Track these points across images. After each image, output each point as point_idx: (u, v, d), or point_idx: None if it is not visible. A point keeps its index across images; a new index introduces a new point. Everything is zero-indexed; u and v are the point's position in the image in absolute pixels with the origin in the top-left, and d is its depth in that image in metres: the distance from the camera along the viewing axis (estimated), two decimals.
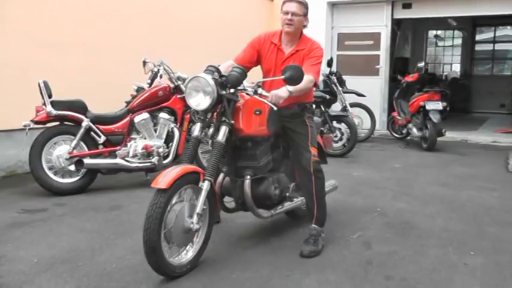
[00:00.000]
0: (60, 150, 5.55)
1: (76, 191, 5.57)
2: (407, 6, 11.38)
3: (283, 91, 3.57)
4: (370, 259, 3.77)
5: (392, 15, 11.54)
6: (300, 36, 3.97)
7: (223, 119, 3.57)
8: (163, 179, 3.20)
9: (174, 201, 3.31)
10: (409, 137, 9.87)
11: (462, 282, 3.40)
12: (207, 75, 3.54)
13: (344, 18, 11.92)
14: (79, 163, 5.46)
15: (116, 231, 4.30)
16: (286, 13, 3.84)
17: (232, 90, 3.56)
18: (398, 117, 9.99)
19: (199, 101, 3.52)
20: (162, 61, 6.39)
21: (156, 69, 6.44)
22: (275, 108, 3.58)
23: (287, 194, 4.20)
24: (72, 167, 5.52)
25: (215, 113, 3.64)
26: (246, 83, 3.69)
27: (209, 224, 3.61)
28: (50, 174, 5.49)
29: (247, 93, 3.64)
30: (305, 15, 3.90)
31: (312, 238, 3.92)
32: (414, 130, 9.29)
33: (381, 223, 4.67)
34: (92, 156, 5.66)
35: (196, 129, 3.63)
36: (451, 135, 10.39)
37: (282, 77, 3.49)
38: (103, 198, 5.40)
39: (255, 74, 4.15)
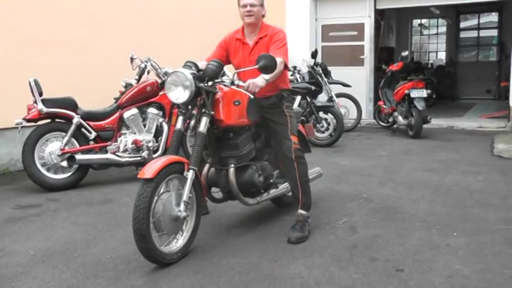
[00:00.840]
0: (52, 147, 5.66)
1: (69, 186, 5.69)
2: None
3: (260, 80, 3.72)
4: (355, 243, 3.90)
5: (375, 5, 11.64)
6: (261, 25, 4.13)
7: (204, 110, 3.70)
8: (149, 170, 3.33)
9: (161, 190, 3.44)
10: (395, 126, 9.98)
11: (445, 261, 3.53)
12: (185, 69, 3.71)
13: (327, 9, 12.01)
14: (71, 159, 5.58)
15: (109, 223, 4.42)
16: (245, 6, 4.00)
17: (210, 83, 3.70)
18: (384, 106, 10.10)
19: (179, 95, 3.67)
20: (149, 57, 6.48)
21: (143, 65, 6.52)
22: (252, 96, 3.72)
23: (271, 181, 4.33)
24: (64, 163, 5.63)
25: (196, 106, 3.77)
26: (228, 76, 3.84)
27: (197, 212, 3.74)
28: (43, 170, 5.60)
29: (225, 85, 3.79)
30: (262, 5, 4.08)
31: (299, 224, 4.05)
32: (400, 118, 9.42)
33: (367, 209, 4.81)
34: (83, 152, 5.77)
35: (179, 122, 3.78)
36: (437, 122, 10.55)
37: (256, 66, 3.64)
38: (95, 192, 5.52)
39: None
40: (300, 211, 4.11)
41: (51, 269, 3.46)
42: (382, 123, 10.48)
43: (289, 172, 4.14)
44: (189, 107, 3.79)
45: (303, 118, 5.16)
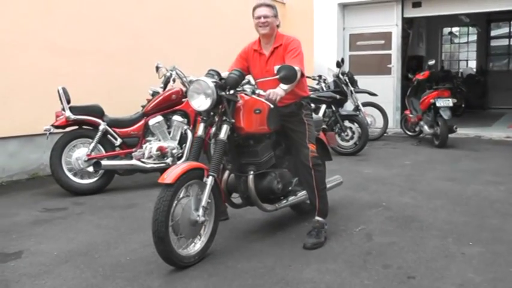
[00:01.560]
0: (79, 152, 5.85)
1: (94, 191, 5.87)
2: (417, 4, 11.49)
3: (279, 90, 3.82)
4: (369, 250, 3.94)
5: (402, 14, 11.66)
6: (275, 35, 4.21)
7: (224, 118, 3.82)
8: (169, 175, 3.45)
9: (180, 195, 3.55)
10: (421, 135, 9.94)
11: (457, 270, 3.54)
12: (207, 78, 3.82)
13: (355, 18, 12.09)
14: (97, 164, 5.75)
15: (131, 227, 4.56)
16: (259, 17, 4.10)
17: (231, 92, 3.81)
18: (411, 115, 10.09)
19: (201, 103, 3.79)
20: (174, 66, 6.62)
21: (168, 74, 6.66)
22: (271, 106, 3.82)
23: (290, 188, 4.41)
24: (91, 169, 5.81)
25: (217, 114, 3.88)
26: (252, 85, 3.94)
27: (215, 217, 3.84)
28: (70, 175, 5.80)
29: (246, 94, 3.89)
30: (275, 16, 4.15)
31: (315, 231, 4.10)
32: (426, 127, 9.39)
33: (384, 217, 4.83)
34: (109, 158, 5.94)
35: (200, 129, 3.89)
36: (464, 132, 10.50)
37: (277, 76, 3.74)
38: (120, 197, 5.68)
39: None
40: (317, 218, 4.17)
41: (73, 269, 3.60)
42: (408, 133, 10.45)
43: (306, 179, 4.20)
44: (211, 114, 3.90)
45: (325, 127, 5.20)
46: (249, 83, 3.92)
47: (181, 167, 3.55)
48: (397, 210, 5.04)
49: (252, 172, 4.01)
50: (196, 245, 3.73)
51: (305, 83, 4.36)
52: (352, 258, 3.79)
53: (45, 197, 5.76)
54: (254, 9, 4.16)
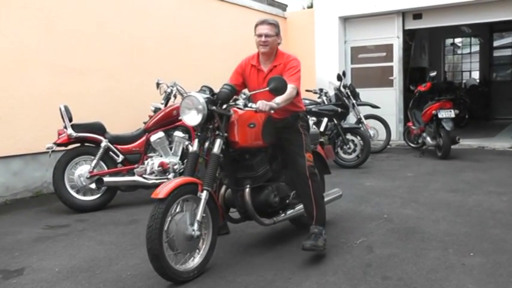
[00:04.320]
0: (81, 170, 5.90)
1: (97, 207, 5.91)
2: (417, 16, 11.52)
3: (271, 103, 3.82)
4: (370, 262, 3.95)
5: (403, 26, 11.68)
6: (276, 53, 4.24)
7: (218, 132, 3.84)
8: (162, 190, 3.48)
9: (174, 210, 3.57)
10: (424, 147, 9.92)
11: (457, 280, 3.54)
12: (198, 93, 3.87)
13: (356, 31, 12.13)
14: (99, 181, 5.79)
15: (133, 242, 4.59)
16: (260, 35, 4.11)
17: (224, 106, 3.86)
18: (413, 127, 10.09)
19: (192, 118, 3.82)
20: (174, 82, 6.69)
21: (169, 90, 6.73)
22: (258, 111, 3.81)
23: (288, 202, 4.42)
24: (93, 185, 5.87)
25: (210, 128, 3.90)
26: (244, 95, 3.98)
27: (213, 231, 3.85)
28: (72, 192, 5.84)
29: (238, 108, 3.92)
30: (277, 34, 4.17)
31: (313, 235, 4.08)
32: (428, 139, 9.37)
33: (386, 229, 4.84)
34: (111, 174, 5.99)
35: (195, 145, 3.92)
36: (467, 143, 10.48)
37: (267, 88, 3.79)
38: (122, 213, 5.71)
39: None
40: (315, 225, 4.15)
41: (74, 285, 3.63)
42: (411, 145, 10.44)
43: (303, 189, 4.20)
44: (205, 129, 3.91)
45: (322, 140, 5.21)
46: (245, 96, 3.95)
47: (174, 182, 3.58)
48: (398, 222, 5.04)
49: (248, 186, 4.01)
50: (195, 260, 3.74)
51: (300, 100, 4.36)
52: (352, 270, 3.79)
53: (48, 214, 5.81)
54: (256, 26, 4.18)
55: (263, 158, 4.13)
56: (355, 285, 3.52)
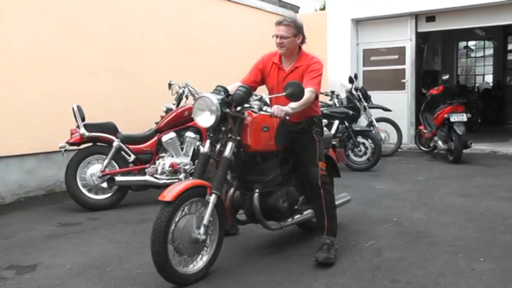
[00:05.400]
0: (93, 169, 5.96)
1: (108, 206, 5.96)
2: (430, 19, 11.47)
3: (287, 107, 3.75)
4: (379, 265, 3.95)
5: (416, 28, 11.65)
6: (299, 53, 4.18)
7: (230, 135, 3.77)
8: (169, 193, 3.42)
9: (182, 213, 3.52)
10: (436, 150, 9.88)
11: (467, 286, 3.53)
12: (212, 94, 3.77)
13: (368, 34, 12.12)
14: (111, 181, 5.85)
15: (143, 241, 4.60)
16: (276, 37, 4.07)
17: (238, 108, 3.80)
18: (425, 131, 10.05)
19: (205, 119, 3.75)
20: (186, 83, 6.71)
21: (181, 91, 6.76)
22: (271, 116, 3.75)
23: (296, 207, 4.35)
24: (105, 185, 5.92)
25: (223, 131, 3.83)
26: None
27: (219, 234, 3.80)
28: (84, 191, 5.90)
29: (252, 111, 3.85)
30: (295, 35, 4.09)
31: (325, 246, 4.04)
32: (440, 143, 9.33)
33: (395, 232, 4.84)
34: (122, 174, 6.04)
35: (206, 146, 3.86)
36: (479, 147, 10.42)
37: (284, 93, 3.72)
38: (133, 212, 5.76)
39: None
40: (326, 235, 4.12)
41: (85, 282, 3.68)
42: (423, 148, 10.40)
43: (315, 198, 4.15)
44: (218, 131, 3.85)
45: (334, 143, 5.19)
46: (260, 99, 3.85)
47: (182, 184, 3.51)
48: (408, 226, 5.04)
49: (257, 190, 3.96)
50: (199, 263, 3.69)
51: (317, 104, 4.31)
52: (360, 273, 3.80)
53: (60, 212, 5.88)
54: (275, 25, 4.11)
55: (274, 162, 4.06)
56: (364, 287, 3.53)
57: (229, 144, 3.76)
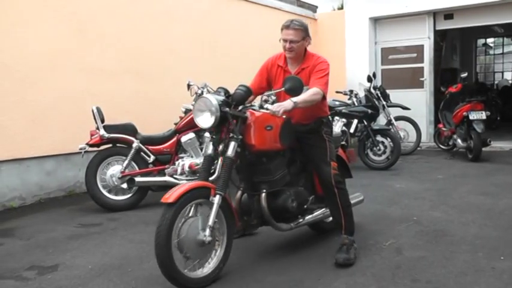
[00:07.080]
0: (113, 170, 6.02)
1: (128, 207, 6.02)
2: (449, 17, 11.39)
3: (288, 102, 3.73)
4: (399, 264, 3.94)
5: (434, 26, 11.57)
6: (305, 55, 4.14)
7: (232, 135, 3.72)
8: (172, 194, 3.36)
9: (188, 214, 3.48)
10: (455, 149, 9.80)
11: (487, 284, 3.50)
12: (212, 95, 3.77)
13: (387, 32, 12.07)
14: (131, 181, 5.89)
15: None
16: (285, 41, 4.01)
17: (239, 108, 3.79)
18: (444, 129, 9.98)
19: (205, 120, 3.70)
20: (205, 83, 6.73)
21: (200, 91, 6.78)
22: (283, 118, 3.75)
23: (306, 207, 4.29)
24: (125, 185, 5.97)
25: (224, 131, 3.78)
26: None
27: (228, 236, 3.74)
28: (104, 192, 5.96)
29: (253, 110, 3.84)
30: (304, 38, 4.04)
31: (344, 247, 4.02)
32: (459, 141, 9.26)
33: (415, 231, 4.81)
34: (142, 174, 6.08)
35: (209, 148, 3.81)
36: (499, 145, 10.33)
37: (283, 88, 3.73)
38: (153, 213, 5.77)
39: None
40: (345, 235, 4.11)
41: (106, 282, 3.72)
42: (442, 146, 10.33)
43: (330, 198, 4.12)
44: (223, 130, 3.80)
45: (344, 143, 5.15)
46: (273, 102, 3.84)
47: (185, 186, 3.47)
48: (427, 225, 5.01)
49: (264, 190, 3.91)
50: (207, 267, 3.64)
51: (326, 105, 4.26)
52: (381, 272, 3.79)
53: (80, 213, 5.94)
54: (282, 29, 4.06)
55: (281, 162, 4.00)
56: (384, 286, 3.52)
57: (232, 144, 3.71)
